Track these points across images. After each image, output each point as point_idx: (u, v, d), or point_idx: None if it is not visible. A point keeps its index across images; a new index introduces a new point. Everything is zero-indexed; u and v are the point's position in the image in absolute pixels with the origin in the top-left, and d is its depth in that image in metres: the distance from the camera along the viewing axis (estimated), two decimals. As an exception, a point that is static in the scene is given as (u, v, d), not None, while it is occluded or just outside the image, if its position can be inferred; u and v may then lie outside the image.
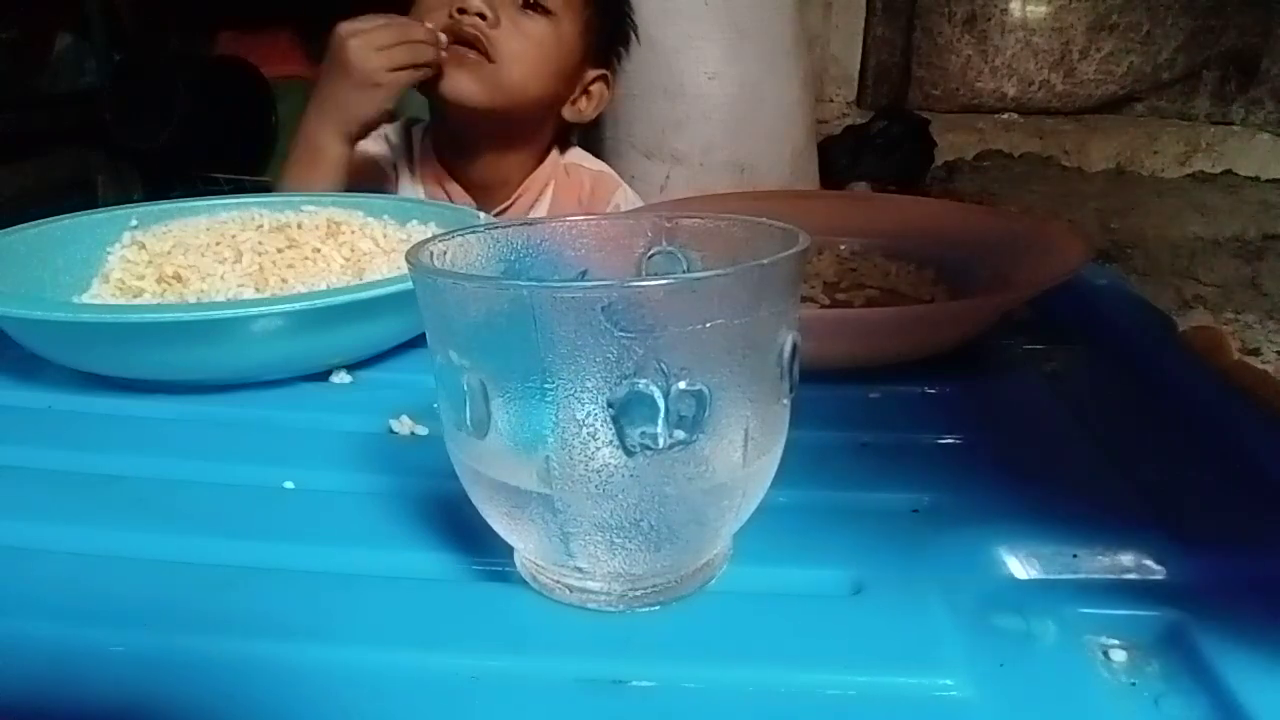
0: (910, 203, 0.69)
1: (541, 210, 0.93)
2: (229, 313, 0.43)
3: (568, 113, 0.92)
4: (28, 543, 0.33)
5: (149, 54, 2.28)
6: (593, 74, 0.91)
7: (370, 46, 0.74)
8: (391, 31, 0.75)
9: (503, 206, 0.92)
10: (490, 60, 0.81)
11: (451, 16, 0.80)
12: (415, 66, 0.76)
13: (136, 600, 0.30)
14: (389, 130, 0.93)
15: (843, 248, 0.65)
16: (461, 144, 0.89)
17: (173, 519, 0.35)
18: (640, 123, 1.78)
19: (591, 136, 1.49)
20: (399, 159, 0.93)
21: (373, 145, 0.91)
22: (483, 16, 0.79)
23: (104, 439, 0.42)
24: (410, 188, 0.92)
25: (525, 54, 0.82)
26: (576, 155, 0.99)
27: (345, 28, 0.75)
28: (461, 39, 0.80)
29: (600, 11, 0.88)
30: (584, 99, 0.92)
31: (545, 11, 0.83)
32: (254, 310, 0.44)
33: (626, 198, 0.97)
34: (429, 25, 0.78)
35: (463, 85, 0.81)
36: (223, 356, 0.45)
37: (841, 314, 0.51)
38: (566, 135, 0.97)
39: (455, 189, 0.91)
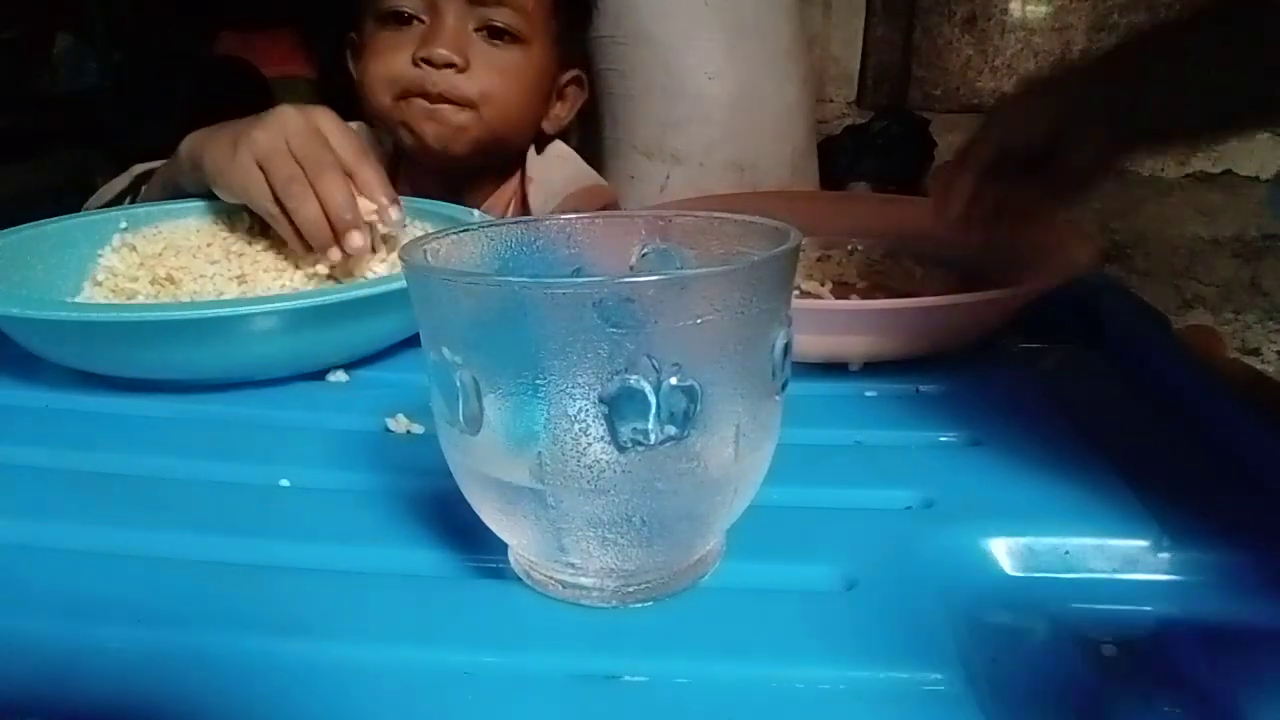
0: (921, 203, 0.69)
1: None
2: (226, 311, 0.43)
3: (546, 125, 0.86)
4: (24, 540, 0.33)
5: (149, 54, 2.28)
6: (566, 76, 0.85)
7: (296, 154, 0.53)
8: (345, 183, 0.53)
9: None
10: (467, 107, 0.74)
11: (417, 65, 0.71)
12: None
13: (133, 597, 0.30)
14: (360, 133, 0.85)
15: (860, 248, 0.66)
16: (436, 173, 0.82)
17: (169, 517, 0.35)
18: (640, 123, 1.78)
19: (591, 136, 1.49)
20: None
21: None
22: (453, 66, 0.71)
23: (100, 437, 0.42)
24: None
25: (502, 89, 0.75)
26: (554, 153, 0.89)
27: (327, 116, 0.56)
28: (431, 94, 0.72)
29: (569, 17, 0.81)
30: (559, 104, 0.86)
31: (515, 39, 0.75)
32: (251, 309, 0.44)
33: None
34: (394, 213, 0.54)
35: (445, 139, 0.74)
36: (219, 355, 0.45)
37: (829, 305, 0.51)
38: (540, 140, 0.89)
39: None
